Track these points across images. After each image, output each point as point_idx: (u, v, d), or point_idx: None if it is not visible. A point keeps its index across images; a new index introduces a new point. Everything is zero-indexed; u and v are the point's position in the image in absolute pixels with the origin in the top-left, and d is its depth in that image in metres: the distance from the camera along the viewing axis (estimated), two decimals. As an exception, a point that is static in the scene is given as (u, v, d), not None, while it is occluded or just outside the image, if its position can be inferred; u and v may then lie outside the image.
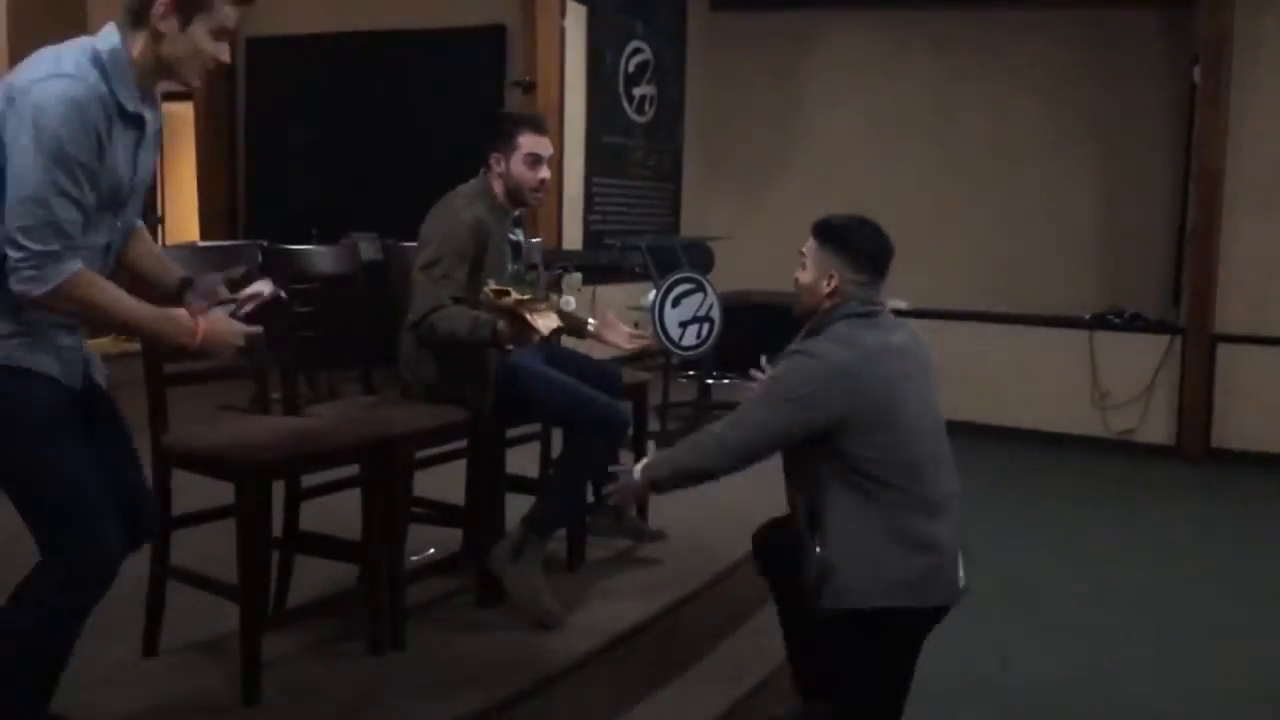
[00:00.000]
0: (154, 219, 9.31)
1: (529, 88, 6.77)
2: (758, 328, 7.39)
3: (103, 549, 2.15)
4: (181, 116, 8.95)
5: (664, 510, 3.80)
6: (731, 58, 8.68)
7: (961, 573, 2.44)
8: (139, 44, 2.07)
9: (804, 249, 2.60)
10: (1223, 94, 7.15)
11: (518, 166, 3.20)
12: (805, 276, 2.56)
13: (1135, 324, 7.65)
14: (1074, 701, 3.76)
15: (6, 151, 1.96)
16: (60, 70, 1.98)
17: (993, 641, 4.22)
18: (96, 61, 2.03)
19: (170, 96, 9.28)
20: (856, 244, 2.54)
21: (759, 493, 4.57)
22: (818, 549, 2.37)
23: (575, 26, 7.06)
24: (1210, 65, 7.16)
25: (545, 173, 3.23)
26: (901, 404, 2.37)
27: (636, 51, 7.67)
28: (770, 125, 8.62)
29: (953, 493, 2.42)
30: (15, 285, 1.97)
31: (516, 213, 3.33)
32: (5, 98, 1.98)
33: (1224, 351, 7.34)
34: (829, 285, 2.51)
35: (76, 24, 9.14)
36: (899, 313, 8.65)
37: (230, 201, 8.58)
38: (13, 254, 1.96)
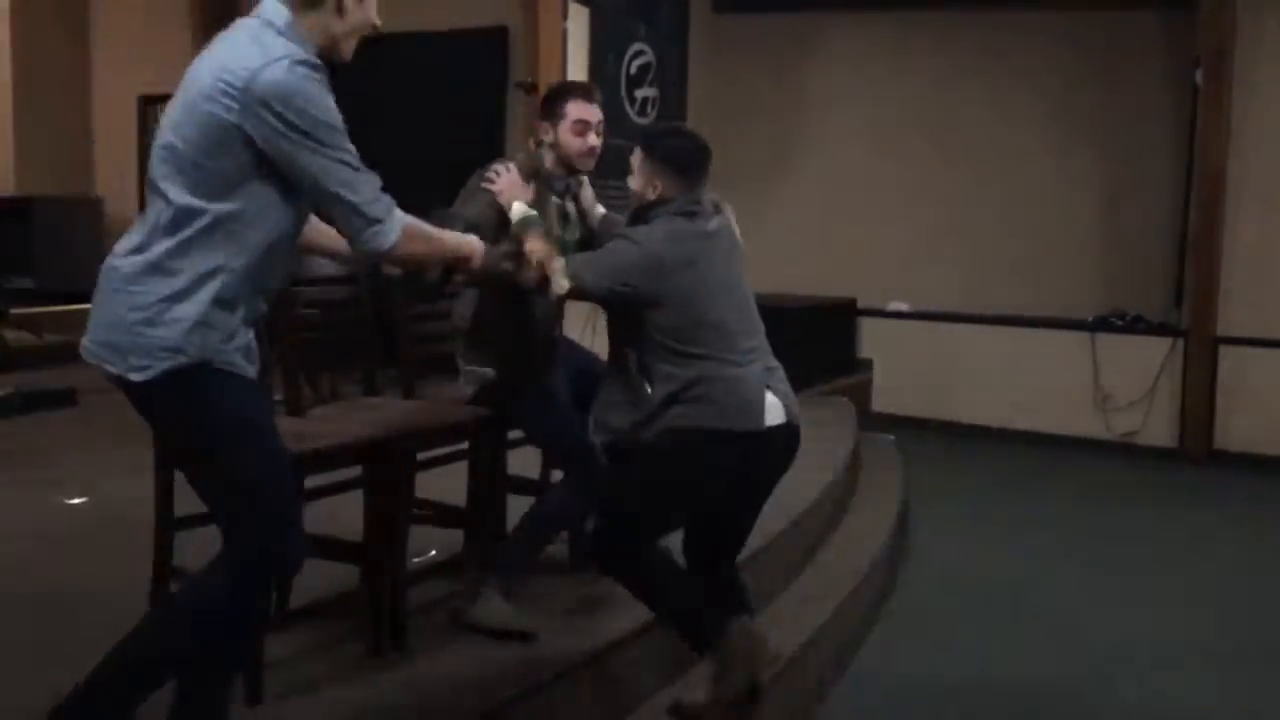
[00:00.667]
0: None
1: (531, 89, 6.77)
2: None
3: (288, 549, 2.19)
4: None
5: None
6: (734, 60, 8.68)
7: (780, 412, 2.78)
8: (312, 21, 2.12)
9: (632, 157, 2.90)
10: (1225, 96, 7.16)
11: (565, 134, 3.21)
12: (634, 184, 2.89)
13: (1137, 326, 7.65)
14: (1074, 703, 3.76)
15: (275, 144, 2.02)
16: (275, 54, 2.02)
17: (993, 641, 4.22)
18: (284, 37, 2.08)
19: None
20: (672, 156, 2.84)
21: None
22: (649, 392, 2.78)
23: (577, 28, 7.06)
24: (1212, 67, 7.17)
25: (594, 140, 3.24)
26: (707, 281, 2.75)
27: (639, 53, 7.68)
28: (772, 127, 8.62)
29: (753, 347, 2.81)
30: (368, 244, 2.12)
31: (572, 180, 3.32)
32: (220, 92, 2.00)
33: (1226, 354, 7.34)
34: (654, 193, 2.83)
35: (80, 32, 9.16)
36: (901, 315, 8.60)
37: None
38: (353, 220, 2.10)
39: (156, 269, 2.05)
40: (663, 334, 2.73)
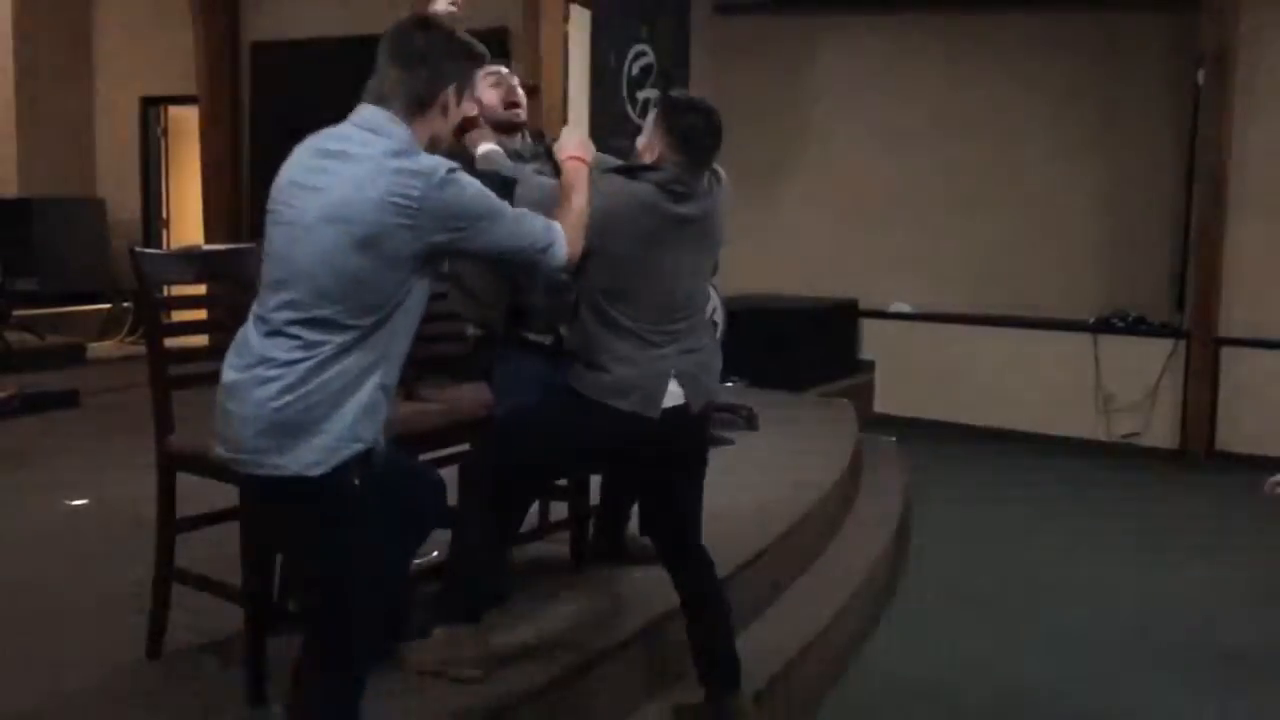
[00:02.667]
0: (158, 222, 9.34)
1: (532, 91, 6.77)
2: (761, 331, 7.43)
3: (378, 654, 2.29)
4: (186, 120, 8.98)
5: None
6: (735, 62, 8.68)
7: (678, 397, 2.78)
8: (422, 125, 2.22)
9: (649, 117, 2.87)
10: (1227, 96, 7.15)
11: (484, 93, 3.17)
12: (640, 140, 2.85)
13: (1139, 328, 7.65)
14: (1075, 704, 3.76)
15: (457, 245, 2.17)
16: (430, 168, 2.11)
17: (994, 642, 4.22)
18: (417, 154, 2.16)
19: (175, 100, 9.31)
20: (677, 127, 2.77)
21: (758, 500, 4.58)
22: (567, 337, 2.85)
23: (579, 30, 7.06)
24: (1214, 68, 7.16)
25: (513, 80, 3.23)
26: (653, 259, 2.71)
27: (640, 55, 7.68)
28: (774, 129, 8.61)
29: (678, 330, 2.80)
30: (551, 267, 2.31)
31: (528, 143, 3.30)
32: (396, 212, 2.06)
33: (1228, 355, 7.34)
34: (651, 156, 2.79)
35: (82, 34, 9.16)
36: (903, 316, 8.55)
37: (234, 204, 8.59)
38: (532, 259, 2.28)
39: (325, 369, 2.08)
40: (594, 286, 2.74)
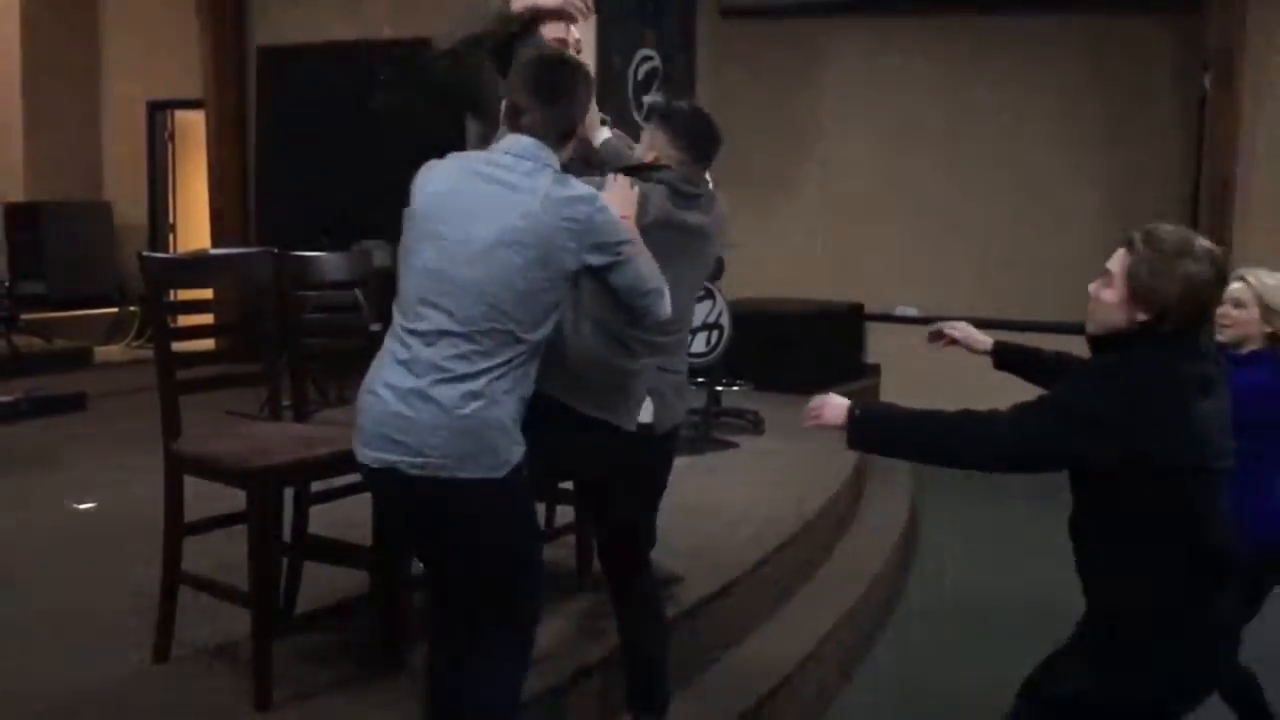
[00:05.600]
0: (165, 226, 9.37)
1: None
2: (766, 334, 7.42)
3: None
4: (193, 124, 9.01)
5: (666, 521, 3.79)
6: (741, 66, 8.68)
7: (648, 414, 2.75)
8: (563, 153, 2.36)
9: (644, 132, 2.89)
10: (1234, 102, 7.13)
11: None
12: (639, 148, 2.84)
13: (1145, 331, 7.63)
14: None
15: (601, 272, 2.30)
16: (590, 191, 2.30)
17: (1000, 646, 4.21)
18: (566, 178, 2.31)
19: (182, 104, 9.33)
20: (677, 123, 2.78)
21: (763, 505, 4.59)
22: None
23: (584, 34, 7.06)
24: (1221, 73, 7.14)
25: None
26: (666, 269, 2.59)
27: (646, 59, 7.69)
28: (780, 133, 8.61)
29: (664, 344, 2.73)
30: (663, 313, 2.41)
31: None
32: (567, 236, 2.22)
33: (1235, 359, 7.31)
34: (651, 157, 2.76)
35: (89, 38, 9.20)
36: (908, 320, 8.51)
37: (242, 208, 8.62)
38: (653, 300, 2.38)
39: (506, 378, 2.23)
40: (602, 302, 2.59)
